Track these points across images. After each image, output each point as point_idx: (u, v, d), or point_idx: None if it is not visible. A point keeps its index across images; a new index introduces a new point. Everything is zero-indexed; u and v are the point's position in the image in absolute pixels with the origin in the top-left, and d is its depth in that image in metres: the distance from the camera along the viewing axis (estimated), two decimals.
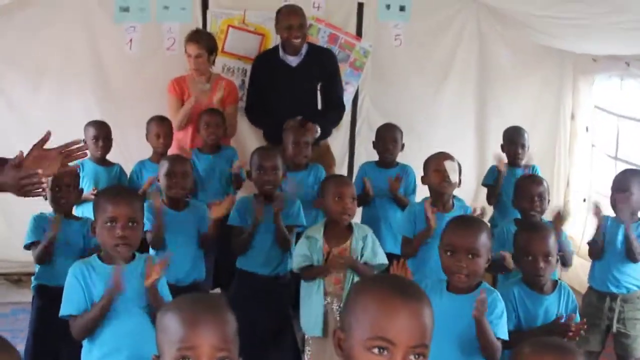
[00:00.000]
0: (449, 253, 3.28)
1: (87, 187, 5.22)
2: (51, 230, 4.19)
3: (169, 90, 6.05)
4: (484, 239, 3.30)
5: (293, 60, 6.07)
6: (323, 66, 6.15)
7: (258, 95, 6.12)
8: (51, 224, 4.21)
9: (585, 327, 3.55)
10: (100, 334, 3.26)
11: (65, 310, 3.26)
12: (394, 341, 1.78)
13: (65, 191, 4.40)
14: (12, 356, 1.77)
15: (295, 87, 5.90)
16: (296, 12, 5.99)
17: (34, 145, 3.35)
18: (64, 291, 3.28)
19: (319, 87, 6.04)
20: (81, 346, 3.36)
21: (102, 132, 5.42)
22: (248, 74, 6.43)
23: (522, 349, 2.02)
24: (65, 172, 3.93)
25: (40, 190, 3.35)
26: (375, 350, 1.79)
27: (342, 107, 6.36)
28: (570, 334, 3.46)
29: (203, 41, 5.98)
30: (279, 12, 6.06)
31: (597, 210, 4.70)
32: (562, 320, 3.53)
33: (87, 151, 5.10)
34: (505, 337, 3.29)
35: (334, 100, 6.22)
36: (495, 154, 5.79)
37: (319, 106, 6.21)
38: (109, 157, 5.54)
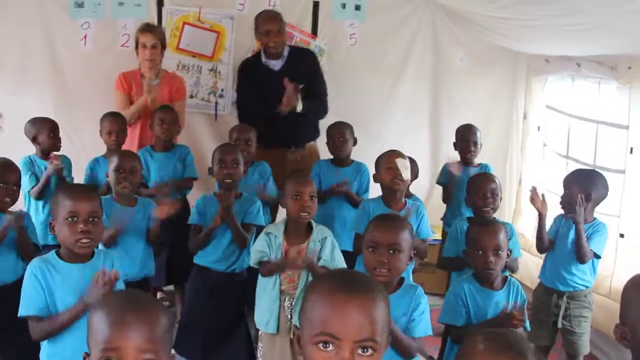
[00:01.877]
0: (371, 249, 3.30)
1: (33, 182, 5.20)
2: None
3: (116, 86, 6.02)
4: (405, 235, 3.34)
5: (276, 64, 6.08)
6: (305, 67, 6.15)
7: (249, 97, 6.06)
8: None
9: (526, 316, 3.61)
10: (59, 335, 3.20)
11: (24, 310, 3.18)
12: (338, 336, 1.79)
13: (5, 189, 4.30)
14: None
15: (280, 90, 5.80)
16: (274, 17, 6.00)
17: None
18: (22, 291, 3.21)
19: (299, 89, 5.96)
20: (16, 344, 3.32)
21: (46, 127, 5.35)
22: (203, 71, 6.43)
23: (474, 345, 1.97)
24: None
25: None
26: (321, 345, 1.81)
27: (324, 104, 6.29)
28: (515, 322, 3.53)
29: (157, 32, 6.00)
30: (257, 17, 6.07)
31: (533, 194, 4.74)
32: (508, 310, 3.59)
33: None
34: (426, 334, 3.34)
35: (317, 97, 6.17)
36: (447, 156, 5.81)
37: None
38: (64, 152, 5.47)
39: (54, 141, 5.35)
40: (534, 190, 4.76)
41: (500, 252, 3.69)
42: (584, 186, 4.57)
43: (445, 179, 5.83)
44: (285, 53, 6.10)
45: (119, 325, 1.88)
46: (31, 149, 5.34)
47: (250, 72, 6.18)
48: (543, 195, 4.78)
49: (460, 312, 3.69)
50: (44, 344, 3.28)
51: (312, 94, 6.09)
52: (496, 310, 3.67)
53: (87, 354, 1.95)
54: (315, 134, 6.41)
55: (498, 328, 3.33)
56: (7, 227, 4.11)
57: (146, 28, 5.96)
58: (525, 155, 7.08)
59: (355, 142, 5.60)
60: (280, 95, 5.77)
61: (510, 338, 1.97)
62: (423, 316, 3.32)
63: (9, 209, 4.32)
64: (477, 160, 5.80)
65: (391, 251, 3.27)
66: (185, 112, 6.26)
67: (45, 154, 5.33)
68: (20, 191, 4.51)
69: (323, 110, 6.31)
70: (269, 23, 5.97)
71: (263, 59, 6.11)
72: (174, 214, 4.74)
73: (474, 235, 3.81)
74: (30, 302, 3.17)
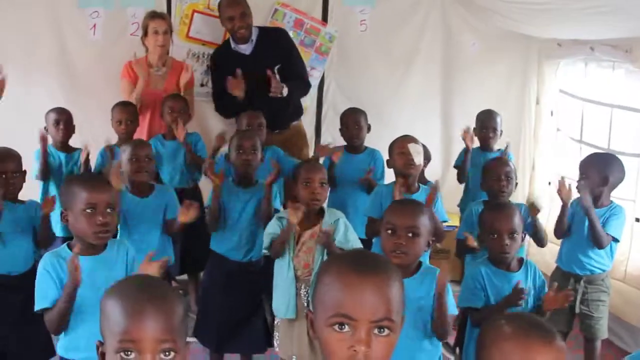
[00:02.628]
0: (389, 232, 3.30)
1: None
2: None
3: (122, 75, 5.99)
4: (424, 220, 3.34)
5: (246, 49, 6.04)
6: (277, 47, 6.08)
7: (222, 86, 5.99)
8: None
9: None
10: (74, 327, 3.21)
11: (39, 304, 3.17)
12: (353, 317, 1.76)
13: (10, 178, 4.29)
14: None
15: (254, 75, 5.78)
16: (236, 1, 5.93)
17: None
18: (36, 286, 3.20)
19: (276, 70, 5.92)
20: (26, 337, 3.30)
21: (62, 117, 5.37)
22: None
23: (500, 329, 1.97)
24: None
25: None
26: (337, 327, 1.78)
27: (305, 82, 6.28)
28: (523, 296, 3.53)
29: (167, 18, 6.01)
30: (219, 4, 6.03)
31: (561, 185, 4.70)
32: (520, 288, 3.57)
33: (49, 137, 5.17)
34: (454, 313, 3.40)
35: (294, 77, 6.09)
36: (463, 129, 5.75)
37: None
38: (73, 143, 5.50)
39: (59, 131, 5.35)
40: (562, 181, 4.71)
41: (515, 235, 3.68)
42: (601, 170, 4.54)
43: (461, 161, 5.79)
44: (254, 36, 6.05)
45: (137, 315, 1.84)
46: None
47: (221, 60, 6.16)
48: (570, 185, 4.73)
49: (479, 294, 3.68)
50: (61, 336, 3.28)
51: (290, 74, 6.03)
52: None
53: (101, 343, 1.92)
54: (299, 114, 6.42)
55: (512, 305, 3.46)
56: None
57: (156, 14, 5.95)
58: (538, 141, 7.03)
59: (369, 129, 5.57)
60: (255, 79, 5.76)
61: (534, 319, 1.96)
62: (450, 296, 3.33)
63: (20, 198, 4.33)
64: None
65: (409, 234, 3.27)
66: (194, 100, 6.23)
67: (56, 144, 5.33)
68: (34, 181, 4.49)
69: (304, 90, 6.32)
70: (231, 8, 5.91)
71: (232, 45, 6.08)
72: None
73: (489, 218, 3.80)
74: (44, 296, 3.16)
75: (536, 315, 3.42)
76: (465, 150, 5.68)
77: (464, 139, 5.67)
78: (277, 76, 5.85)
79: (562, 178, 4.73)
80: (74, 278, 3.04)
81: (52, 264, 3.17)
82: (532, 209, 4.52)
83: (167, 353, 1.85)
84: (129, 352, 1.82)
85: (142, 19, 6.04)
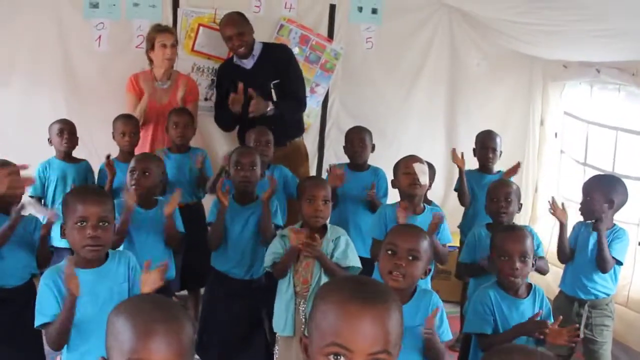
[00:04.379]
0: (389, 252, 3.27)
1: (53, 182, 5.27)
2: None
3: (127, 89, 5.98)
4: (425, 245, 3.31)
5: (247, 63, 6.04)
6: (276, 62, 6.08)
7: (220, 99, 6.06)
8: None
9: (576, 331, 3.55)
10: (76, 342, 3.17)
11: (39, 320, 3.15)
12: (350, 348, 1.71)
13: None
14: None
15: (253, 88, 5.80)
16: (233, 21, 5.95)
17: None
18: (36, 302, 3.17)
19: (272, 85, 5.95)
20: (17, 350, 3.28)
21: (66, 127, 5.37)
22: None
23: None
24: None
25: None
26: (332, 357, 1.73)
27: (299, 100, 6.22)
28: (547, 330, 3.47)
29: (174, 32, 6.02)
30: (220, 23, 6.06)
31: (554, 205, 4.69)
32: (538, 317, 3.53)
33: (54, 147, 5.17)
34: (449, 338, 3.40)
35: (287, 94, 6.08)
36: (451, 150, 5.72)
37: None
38: (77, 155, 5.49)
39: (62, 141, 5.33)
40: (553, 201, 4.70)
41: (526, 258, 3.63)
42: (606, 192, 4.52)
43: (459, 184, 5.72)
44: (257, 52, 6.05)
45: (148, 335, 1.79)
46: (49, 150, 5.40)
47: (223, 74, 6.19)
48: (563, 204, 4.71)
49: (488, 320, 3.63)
50: (63, 352, 3.24)
51: (286, 90, 6.04)
52: (521, 319, 3.60)
53: (104, 359, 1.87)
54: (299, 132, 6.40)
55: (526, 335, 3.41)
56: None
57: (163, 28, 5.95)
58: (541, 162, 7.01)
59: (373, 148, 5.56)
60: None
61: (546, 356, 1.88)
62: (444, 321, 3.32)
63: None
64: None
65: (410, 257, 3.23)
66: (198, 113, 6.19)
67: (59, 155, 5.33)
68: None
69: (298, 109, 6.28)
70: (228, 28, 5.95)
71: (235, 59, 6.10)
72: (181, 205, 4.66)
73: (500, 241, 3.73)
74: (45, 311, 3.14)
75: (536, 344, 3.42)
76: (460, 174, 5.62)
77: (453, 161, 5.63)
78: (274, 92, 5.89)
79: (553, 198, 4.72)
80: (71, 288, 3.01)
81: (52, 279, 3.14)
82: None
83: None
84: None
85: (147, 32, 6.02)
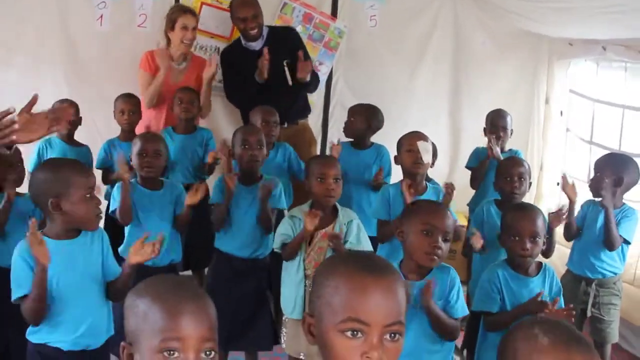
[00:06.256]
0: (425, 232, 3.25)
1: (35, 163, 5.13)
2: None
3: (141, 66, 5.91)
4: (452, 226, 3.37)
5: (256, 45, 5.99)
6: (286, 44, 6.05)
7: (234, 83, 6.03)
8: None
9: (572, 311, 3.48)
10: (56, 312, 3.17)
11: (16, 293, 3.12)
12: (367, 321, 1.69)
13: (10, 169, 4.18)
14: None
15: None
16: (249, 3, 5.89)
17: (22, 110, 3.20)
18: (11, 276, 3.14)
19: (285, 64, 5.92)
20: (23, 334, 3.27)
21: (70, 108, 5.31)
22: (221, 51, 6.34)
23: (534, 339, 1.81)
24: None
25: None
26: (349, 334, 1.70)
27: (315, 74, 6.21)
28: (547, 311, 3.42)
29: (196, 15, 5.96)
30: (231, 4, 6.00)
31: (564, 181, 4.67)
32: (541, 298, 3.49)
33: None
34: (465, 314, 3.40)
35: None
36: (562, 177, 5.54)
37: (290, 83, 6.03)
38: (78, 134, 5.46)
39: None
40: (564, 178, 4.65)
41: (537, 238, 3.60)
42: (616, 170, 4.49)
43: (475, 163, 5.68)
44: (265, 33, 6.02)
45: (180, 313, 1.79)
46: None
47: (231, 58, 6.13)
48: (573, 182, 4.67)
49: (495, 298, 3.62)
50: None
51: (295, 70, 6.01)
52: (531, 297, 3.56)
53: (128, 344, 1.86)
54: (306, 111, 6.39)
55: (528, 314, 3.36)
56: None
57: (187, 9, 5.90)
58: (547, 141, 6.97)
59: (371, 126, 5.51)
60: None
61: (572, 330, 1.85)
62: (460, 296, 3.33)
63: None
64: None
65: (444, 238, 3.26)
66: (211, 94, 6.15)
67: (62, 136, 5.30)
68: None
69: (317, 83, 6.30)
70: (244, 9, 5.88)
71: (243, 42, 6.06)
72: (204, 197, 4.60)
73: (511, 220, 3.71)
74: (21, 284, 3.11)
75: None
76: (485, 157, 5.52)
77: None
78: (287, 70, 5.85)
79: (565, 175, 4.68)
80: (38, 256, 3.00)
81: (27, 251, 3.08)
82: (555, 219, 4.38)
83: (208, 352, 1.81)
84: (173, 352, 1.77)
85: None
